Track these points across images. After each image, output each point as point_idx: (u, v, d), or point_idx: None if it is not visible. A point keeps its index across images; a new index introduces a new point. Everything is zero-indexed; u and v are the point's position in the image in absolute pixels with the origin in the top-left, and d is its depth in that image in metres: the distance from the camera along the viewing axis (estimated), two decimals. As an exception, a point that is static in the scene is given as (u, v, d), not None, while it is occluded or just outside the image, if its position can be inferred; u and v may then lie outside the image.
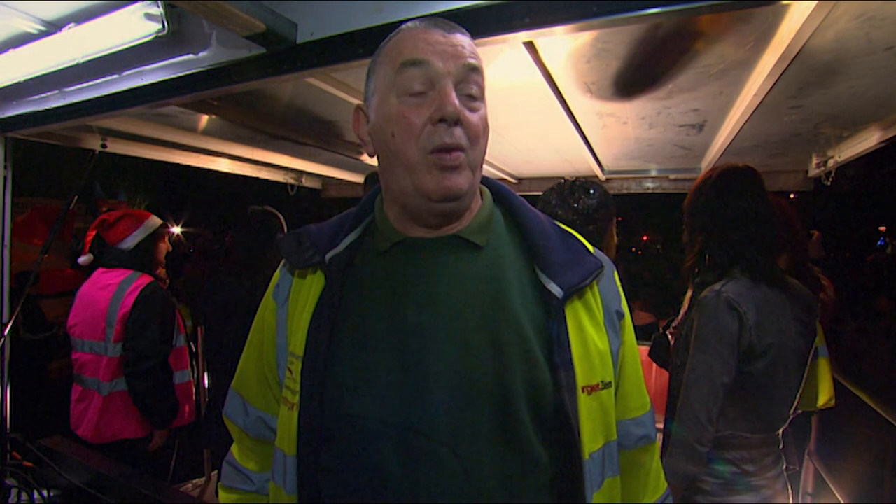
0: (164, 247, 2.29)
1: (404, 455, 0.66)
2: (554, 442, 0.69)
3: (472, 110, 0.69)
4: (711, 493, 1.35)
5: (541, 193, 1.57)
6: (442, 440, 0.65)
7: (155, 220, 2.25)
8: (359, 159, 2.56)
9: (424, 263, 0.73)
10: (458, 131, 0.67)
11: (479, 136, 0.70)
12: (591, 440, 0.70)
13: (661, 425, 1.50)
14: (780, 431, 1.40)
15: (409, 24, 0.72)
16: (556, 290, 0.71)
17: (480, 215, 0.76)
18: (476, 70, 0.70)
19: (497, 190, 0.82)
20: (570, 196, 1.49)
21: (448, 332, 0.68)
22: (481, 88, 0.71)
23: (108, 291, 2.08)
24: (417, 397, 0.67)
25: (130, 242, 2.16)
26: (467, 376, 0.67)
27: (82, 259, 2.24)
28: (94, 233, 2.22)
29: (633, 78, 1.41)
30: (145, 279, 2.14)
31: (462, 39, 0.70)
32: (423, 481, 0.65)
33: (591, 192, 1.50)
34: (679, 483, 1.31)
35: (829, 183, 2.25)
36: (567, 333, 0.70)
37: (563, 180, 1.54)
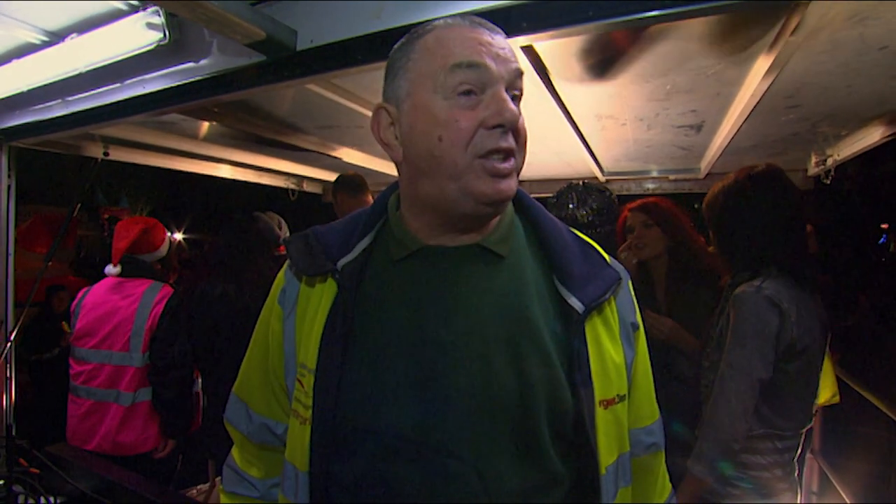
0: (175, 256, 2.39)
1: (423, 471, 0.65)
2: (572, 457, 0.69)
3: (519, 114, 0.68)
4: (739, 497, 1.34)
5: (543, 195, 1.60)
6: (462, 456, 0.64)
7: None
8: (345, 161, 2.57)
9: (445, 273, 0.70)
10: (511, 137, 0.65)
11: (525, 141, 0.69)
12: (608, 453, 0.70)
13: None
14: (804, 432, 1.40)
15: (447, 20, 0.69)
16: (577, 304, 0.69)
17: (503, 223, 0.74)
18: (521, 75, 0.69)
19: (518, 196, 0.78)
20: (589, 197, 1.52)
21: (469, 345, 0.66)
22: (522, 93, 0.70)
23: (131, 301, 2.07)
24: (437, 413, 0.65)
25: (162, 252, 2.20)
26: (488, 392, 0.65)
27: (112, 269, 2.18)
28: (126, 243, 2.18)
29: (629, 78, 1.42)
30: (168, 289, 2.16)
31: (506, 42, 0.68)
32: (443, 498, 0.64)
33: (604, 192, 1.52)
34: (705, 477, 1.30)
35: (828, 181, 2.25)
36: (586, 349, 0.69)
37: (575, 182, 1.57)
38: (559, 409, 0.67)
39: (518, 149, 0.67)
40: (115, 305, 2.08)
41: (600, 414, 0.69)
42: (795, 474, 1.39)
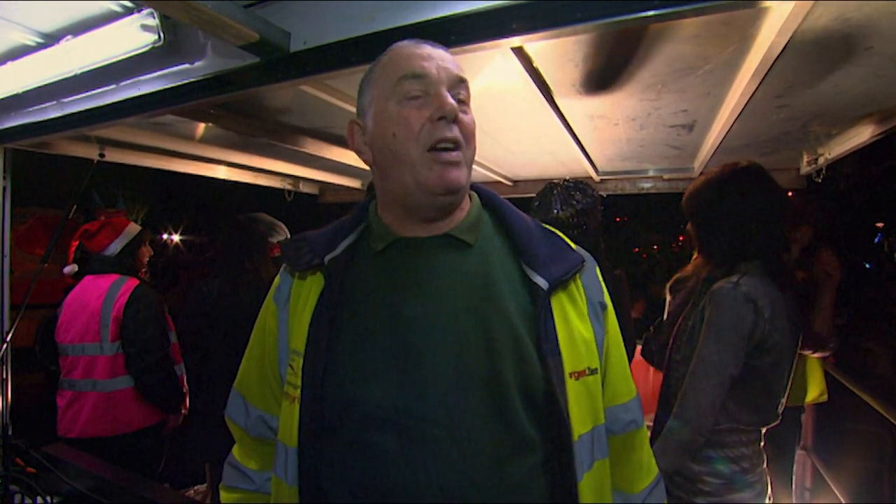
0: (147, 251, 2.45)
1: (402, 437, 0.69)
2: (545, 424, 0.73)
3: (464, 112, 0.76)
4: (713, 493, 1.35)
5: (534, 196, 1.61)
6: (437, 422, 0.69)
7: (134, 227, 2.40)
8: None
9: (418, 260, 0.77)
10: (455, 128, 0.74)
11: (471, 135, 0.77)
12: (580, 423, 0.74)
13: (649, 423, 1.51)
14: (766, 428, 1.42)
15: (400, 43, 0.79)
16: (541, 282, 0.76)
17: (470, 216, 0.81)
18: (464, 82, 0.77)
19: (484, 195, 0.87)
20: (571, 197, 1.52)
21: (442, 322, 0.73)
22: (468, 97, 0.78)
23: (98, 294, 2.18)
24: (414, 383, 0.71)
25: (114, 248, 2.29)
26: (460, 362, 0.71)
27: (67, 269, 2.34)
28: (77, 243, 2.34)
29: (620, 79, 1.44)
30: (133, 282, 2.25)
31: (448, 55, 0.78)
32: (420, 461, 0.69)
33: (588, 191, 1.53)
34: (668, 469, 1.32)
35: (820, 180, 2.28)
36: (553, 322, 0.74)
37: (556, 182, 1.57)
38: (528, 377, 0.72)
39: (465, 141, 0.75)
40: (86, 300, 2.19)
41: (571, 384, 0.73)
42: (764, 465, 1.41)
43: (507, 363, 0.71)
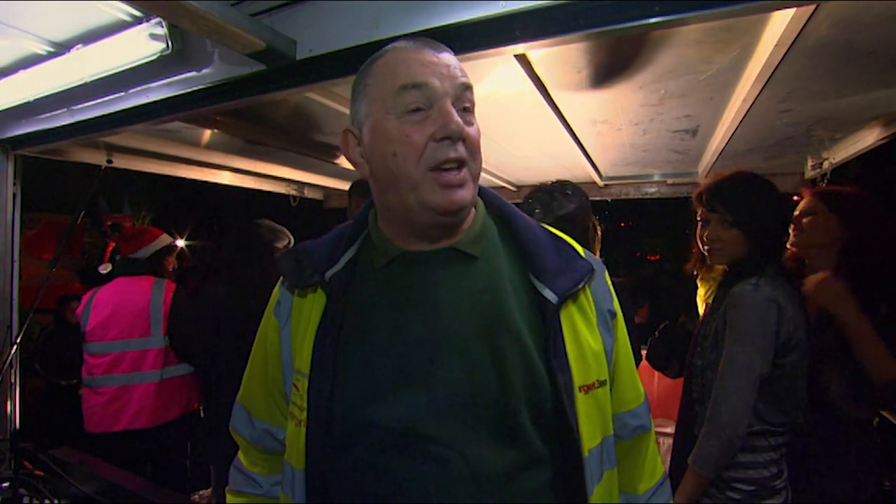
0: (172, 261, 2.64)
1: (412, 460, 0.68)
2: (555, 441, 0.71)
3: (469, 124, 0.71)
4: (742, 500, 1.34)
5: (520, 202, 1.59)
6: (448, 443, 0.68)
7: (167, 238, 2.59)
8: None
9: (423, 277, 0.74)
10: (460, 146, 0.69)
11: (477, 148, 0.72)
12: (590, 437, 0.73)
13: (669, 429, 1.49)
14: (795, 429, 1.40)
15: (397, 44, 0.73)
16: (550, 296, 0.73)
17: (474, 226, 0.77)
18: (469, 88, 0.73)
19: (489, 199, 0.84)
20: (553, 202, 1.51)
21: (448, 341, 0.71)
22: (473, 104, 0.74)
23: (143, 292, 2.35)
24: (422, 405, 0.69)
25: (145, 253, 2.44)
26: (468, 383, 0.69)
27: (102, 267, 2.53)
28: (113, 244, 2.56)
29: (622, 84, 1.45)
30: (172, 284, 2.44)
31: (451, 59, 0.73)
32: (432, 481, 0.68)
33: (570, 194, 1.51)
34: (707, 476, 1.31)
35: (824, 185, 2.27)
36: (563, 337, 0.72)
37: (545, 184, 1.55)
38: (537, 396, 0.70)
39: (470, 157, 0.71)
40: (128, 300, 2.32)
41: (581, 399, 0.72)
42: (787, 473, 1.40)
43: (517, 381, 0.70)
